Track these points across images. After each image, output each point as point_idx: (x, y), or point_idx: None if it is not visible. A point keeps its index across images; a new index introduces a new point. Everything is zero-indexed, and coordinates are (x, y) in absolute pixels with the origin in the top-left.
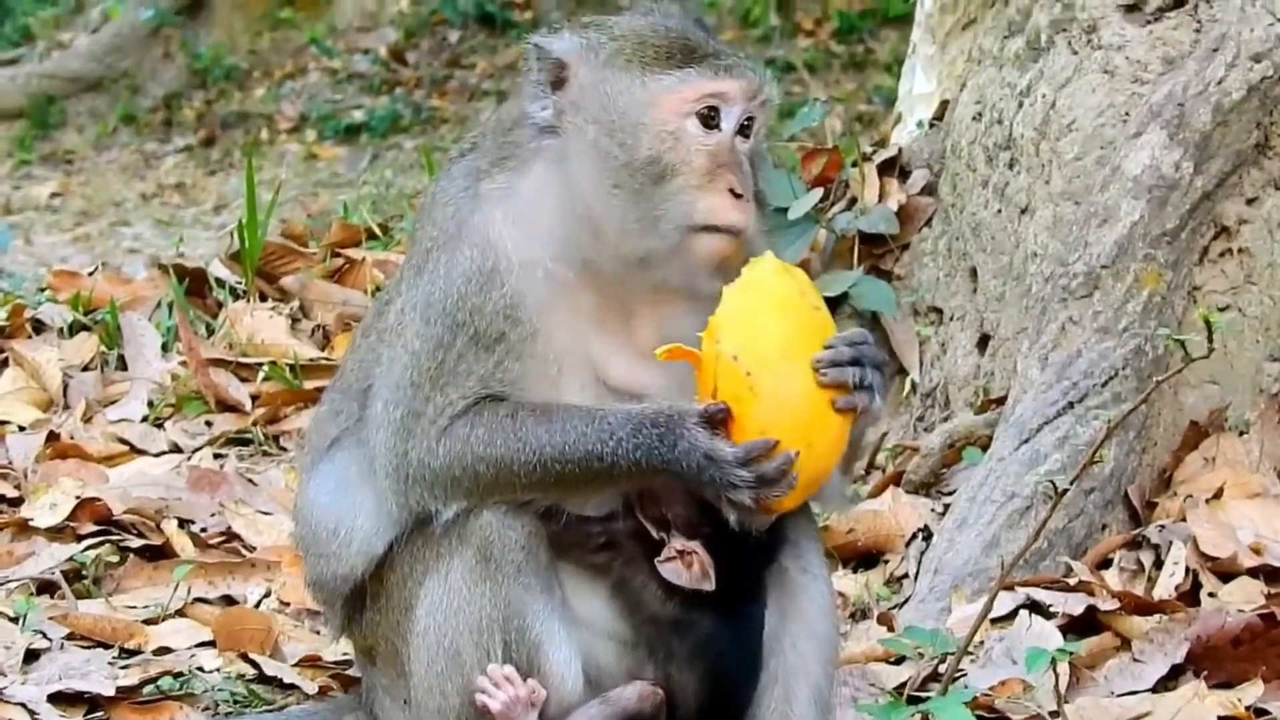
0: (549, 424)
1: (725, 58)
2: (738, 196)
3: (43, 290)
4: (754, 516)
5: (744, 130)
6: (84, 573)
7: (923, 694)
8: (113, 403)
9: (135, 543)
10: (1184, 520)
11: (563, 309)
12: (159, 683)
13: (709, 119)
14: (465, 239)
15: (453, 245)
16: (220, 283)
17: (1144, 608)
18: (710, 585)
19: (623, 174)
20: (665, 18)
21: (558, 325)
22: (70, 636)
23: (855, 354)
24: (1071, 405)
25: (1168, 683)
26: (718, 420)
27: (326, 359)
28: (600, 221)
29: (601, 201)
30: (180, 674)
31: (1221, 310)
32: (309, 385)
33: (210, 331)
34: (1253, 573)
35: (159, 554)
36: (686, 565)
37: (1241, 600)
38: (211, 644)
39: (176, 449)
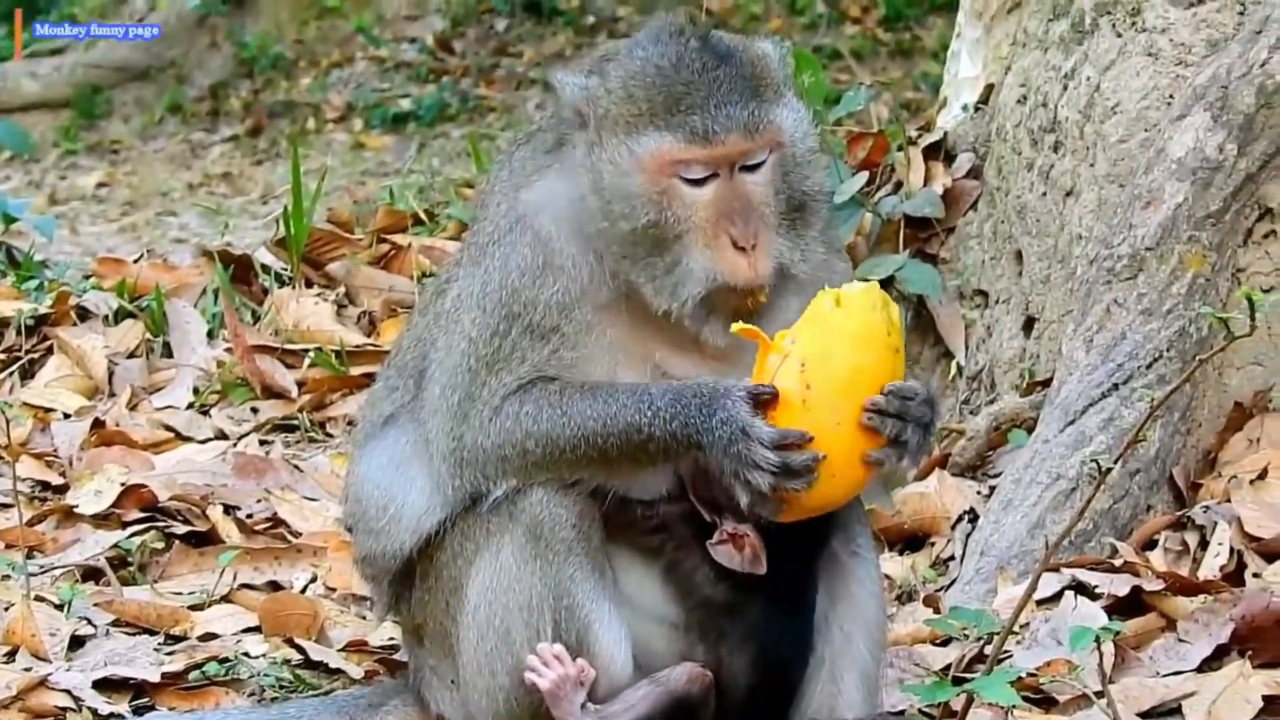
0: (594, 398)
1: (711, 111)
2: (742, 249)
3: (88, 278)
4: (765, 505)
5: (750, 169)
6: (129, 559)
7: (968, 675)
8: (158, 390)
9: (181, 529)
10: (1228, 501)
11: (621, 306)
12: (204, 668)
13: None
14: (520, 234)
15: (508, 239)
16: (266, 269)
17: (1189, 588)
18: (762, 569)
19: (629, 242)
20: (672, 42)
21: (615, 320)
22: (115, 623)
23: (901, 408)
24: (1116, 387)
25: (1212, 663)
26: (761, 401)
27: (373, 345)
28: (624, 275)
29: (620, 262)
30: (226, 659)
31: (1266, 291)
32: (355, 371)
33: (256, 318)
34: None
35: (204, 540)
36: (738, 548)
37: None
38: (257, 629)
39: (222, 435)
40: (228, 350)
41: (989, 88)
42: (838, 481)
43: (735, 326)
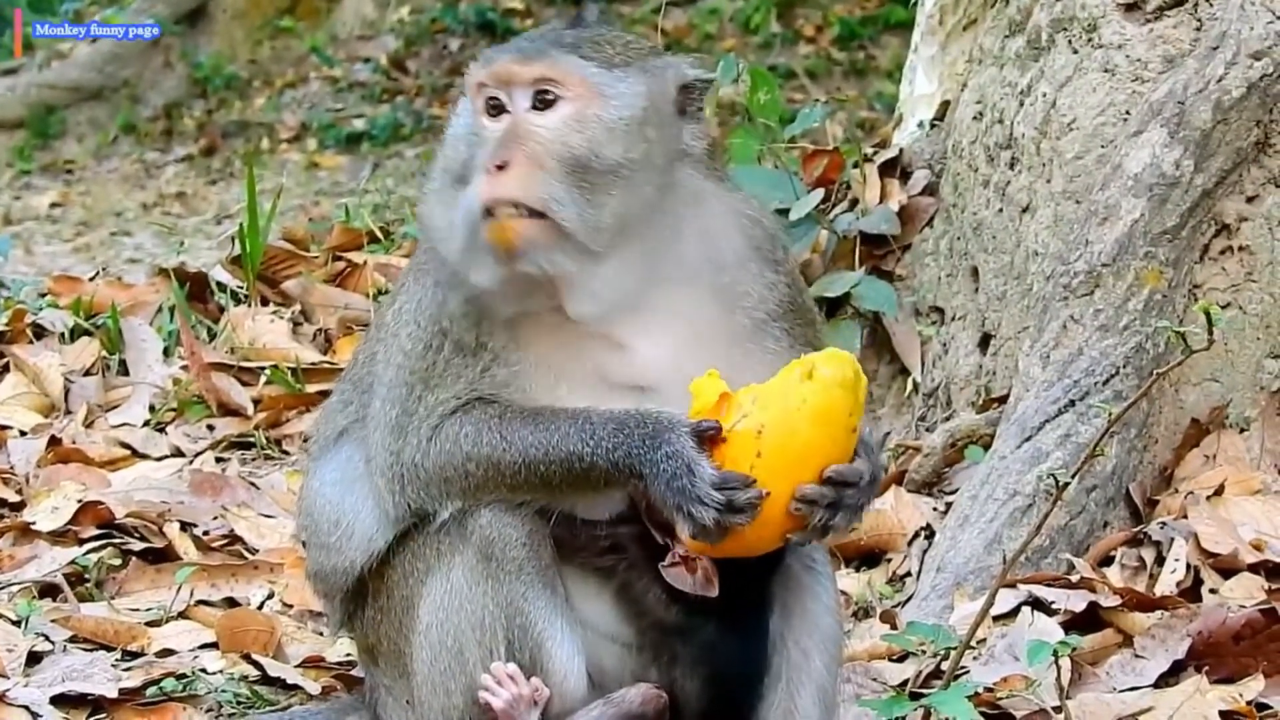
0: (534, 425)
1: (516, 43)
2: (500, 168)
3: (43, 295)
4: (707, 536)
5: (540, 105)
6: (86, 576)
7: (925, 690)
8: (114, 407)
9: (137, 546)
10: (1185, 517)
11: (547, 315)
12: (162, 684)
13: (494, 108)
14: (433, 249)
15: (431, 257)
16: (221, 287)
17: (1146, 604)
18: (714, 591)
19: (443, 183)
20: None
21: (545, 330)
22: (73, 639)
23: (836, 497)
24: (1073, 403)
25: (1169, 678)
26: (706, 437)
27: (328, 363)
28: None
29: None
30: (183, 676)
31: (1222, 308)
32: (310, 389)
33: (212, 336)
34: (1253, 569)
35: (161, 557)
36: (690, 571)
37: (1242, 596)
38: (214, 646)
39: (178, 453)
40: (184, 368)
41: (945, 104)
42: (761, 535)
43: (697, 383)
